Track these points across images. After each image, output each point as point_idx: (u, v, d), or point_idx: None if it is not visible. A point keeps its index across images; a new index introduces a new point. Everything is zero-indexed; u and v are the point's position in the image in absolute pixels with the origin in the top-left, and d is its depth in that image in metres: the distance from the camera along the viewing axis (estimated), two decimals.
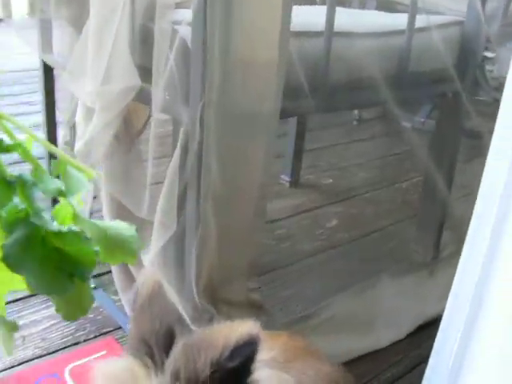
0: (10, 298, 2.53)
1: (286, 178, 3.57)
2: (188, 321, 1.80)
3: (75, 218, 0.63)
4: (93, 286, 2.60)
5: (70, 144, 2.79)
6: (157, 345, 1.08)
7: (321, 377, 1.44)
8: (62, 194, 0.64)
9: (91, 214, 2.79)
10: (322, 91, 1.96)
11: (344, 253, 2.94)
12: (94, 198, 2.74)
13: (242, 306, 1.91)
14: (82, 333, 2.36)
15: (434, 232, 2.74)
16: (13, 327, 0.75)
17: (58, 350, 2.29)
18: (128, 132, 2.19)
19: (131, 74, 1.88)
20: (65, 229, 0.62)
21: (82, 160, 2.10)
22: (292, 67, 1.83)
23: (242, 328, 1.01)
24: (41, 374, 2.14)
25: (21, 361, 2.23)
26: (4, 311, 0.67)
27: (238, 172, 1.86)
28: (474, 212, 1.24)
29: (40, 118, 2.85)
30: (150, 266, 1.82)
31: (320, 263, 2.87)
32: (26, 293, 2.58)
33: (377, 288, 2.44)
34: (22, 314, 2.47)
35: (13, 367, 2.20)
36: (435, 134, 2.64)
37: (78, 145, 2.13)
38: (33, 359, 2.24)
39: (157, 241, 1.83)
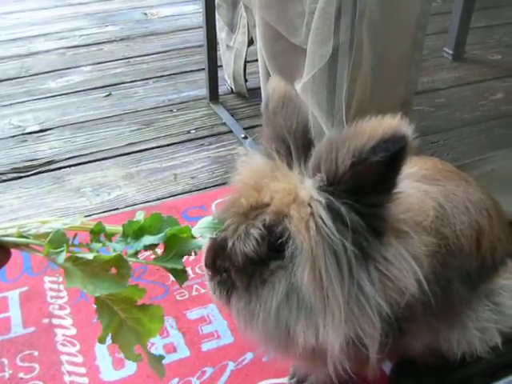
0: (167, 142, 2.66)
1: (449, 51, 3.35)
2: None
3: None
4: (243, 135, 2.64)
5: (227, 0, 2.78)
6: (295, 142, 1.07)
7: (471, 201, 1.34)
8: None
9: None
10: None
11: (507, 124, 2.73)
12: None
13: None
14: (230, 175, 2.41)
15: None
16: (160, 359, 0.96)
17: (205, 188, 2.38)
18: None
19: None
20: None
21: None
22: None
23: (391, 123, 0.93)
24: (189, 205, 2.24)
25: (171, 194, 2.35)
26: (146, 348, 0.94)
27: None
28: None
29: None
30: (302, 92, 1.78)
31: (479, 131, 2.69)
32: (181, 138, 2.69)
33: None
34: (176, 155, 2.58)
35: (164, 198, 2.32)
36: None
37: None
38: (182, 193, 2.36)
39: (310, 67, 1.78)
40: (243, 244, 1.03)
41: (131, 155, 2.58)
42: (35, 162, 2.53)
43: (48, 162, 2.53)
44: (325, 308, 1.01)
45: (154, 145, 2.64)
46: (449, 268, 1.22)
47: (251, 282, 1.05)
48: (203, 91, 3.00)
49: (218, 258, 1.07)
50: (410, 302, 1.07)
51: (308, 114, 1.15)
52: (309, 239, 0.98)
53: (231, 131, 2.72)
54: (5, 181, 2.42)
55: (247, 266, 1.04)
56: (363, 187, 0.97)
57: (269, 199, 1.03)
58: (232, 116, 2.83)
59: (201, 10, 2.77)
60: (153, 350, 1.64)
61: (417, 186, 1.20)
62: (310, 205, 0.99)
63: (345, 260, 0.99)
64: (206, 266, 1.10)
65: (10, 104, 2.97)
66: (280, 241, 1.01)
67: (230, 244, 1.04)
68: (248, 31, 2.69)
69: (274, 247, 1.03)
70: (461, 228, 1.25)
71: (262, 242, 1.02)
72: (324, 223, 0.98)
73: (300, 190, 1.01)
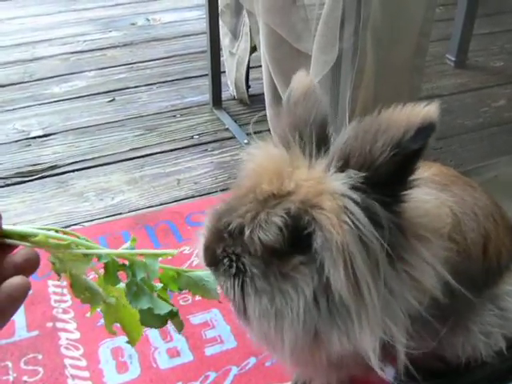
0: (170, 148, 2.67)
1: (451, 58, 3.36)
2: None
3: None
4: (246, 141, 2.65)
5: (231, 7, 2.80)
6: (313, 134, 1.03)
7: (479, 206, 1.34)
8: None
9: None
10: None
11: (510, 130, 2.74)
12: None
13: None
14: (233, 180, 2.42)
15: None
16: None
17: (209, 193, 2.38)
18: None
19: None
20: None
21: None
22: None
23: (426, 109, 0.93)
24: (193, 210, 2.25)
25: (175, 199, 2.36)
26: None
27: (399, 3, 1.73)
28: None
29: None
30: None
31: (482, 137, 2.70)
32: (184, 143, 2.70)
33: None
34: (179, 161, 2.59)
35: (167, 203, 2.33)
36: None
37: None
38: (186, 199, 2.36)
39: (314, 74, 1.79)
40: (263, 233, 0.96)
41: (134, 160, 2.59)
42: (39, 167, 2.53)
43: (51, 166, 2.54)
44: (360, 309, 0.96)
45: (158, 150, 2.65)
46: (457, 274, 1.21)
47: (268, 271, 0.98)
48: (206, 97, 3.01)
49: (225, 244, 1.00)
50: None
51: (327, 108, 1.11)
52: (342, 232, 0.92)
53: (234, 137, 2.73)
54: (9, 185, 2.42)
55: (264, 255, 0.97)
56: (388, 180, 0.95)
57: (294, 187, 0.96)
58: (235, 122, 2.84)
59: (203, 16, 2.79)
60: (156, 355, 1.66)
61: (431, 193, 1.16)
62: (342, 199, 0.94)
63: (379, 258, 0.95)
64: (207, 252, 1.02)
65: (14, 109, 2.98)
66: (306, 232, 0.95)
67: (247, 232, 0.97)
68: (250, 39, 2.71)
69: (297, 239, 0.96)
70: (471, 235, 1.26)
71: (285, 232, 0.95)
72: (359, 221, 0.93)
73: (330, 182, 0.96)
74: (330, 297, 0.96)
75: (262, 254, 0.97)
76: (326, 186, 0.95)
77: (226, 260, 1.00)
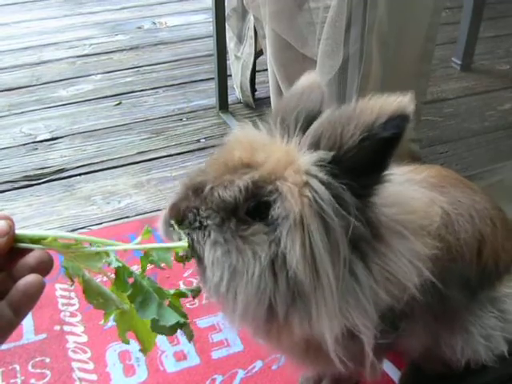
0: (177, 151, 2.68)
1: (457, 62, 3.36)
2: None
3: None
4: None
5: (237, 11, 2.81)
6: (295, 123, 1.03)
7: (476, 208, 1.34)
8: None
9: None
10: None
11: None
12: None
13: (401, 154, 1.84)
14: None
15: None
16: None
17: None
18: None
19: None
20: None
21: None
22: None
23: (399, 101, 0.93)
24: None
25: None
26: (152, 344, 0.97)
27: (406, 8, 1.74)
28: None
29: None
30: None
31: (488, 141, 2.70)
32: (191, 147, 2.71)
33: None
34: (186, 164, 2.60)
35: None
36: None
37: None
38: None
39: (319, 78, 1.79)
40: (223, 190, 0.97)
41: (141, 164, 2.60)
42: (46, 170, 2.55)
43: (59, 170, 2.55)
44: (315, 289, 0.95)
45: (164, 153, 2.67)
46: (448, 273, 1.22)
47: (225, 226, 0.97)
48: (213, 100, 3.02)
49: (188, 201, 1.00)
50: (409, 300, 1.05)
51: (321, 105, 1.08)
52: (302, 204, 0.93)
53: None
54: (16, 188, 2.44)
55: (221, 211, 0.97)
56: (359, 168, 0.95)
57: (264, 159, 0.98)
58: None
59: (209, 20, 2.79)
60: (163, 358, 1.67)
61: (424, 192, 1.17)
62: (307, 175, 0.95)
63: (339, 241, 0.94)
64: (172, 208, 1.02)
65: (21, 112, 3.00)
66: (265, 199, 0.96)
67: (207, 188, 0.98)
68: (255, 43, 2.72)
69: (258, 207, 0.97)
70: (464, 237, 1.26)
71: (244, 194, 0.96)
72: (321, 198, 0.94)
73: (299, 158, 0.97)
74: (290, 273, 0.94)
75: (219, 209, 0.97)
76: (294, 160, 0.96)
77: (190, 215, 0.99)
